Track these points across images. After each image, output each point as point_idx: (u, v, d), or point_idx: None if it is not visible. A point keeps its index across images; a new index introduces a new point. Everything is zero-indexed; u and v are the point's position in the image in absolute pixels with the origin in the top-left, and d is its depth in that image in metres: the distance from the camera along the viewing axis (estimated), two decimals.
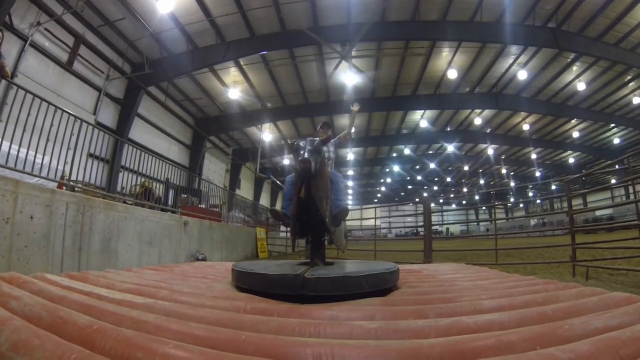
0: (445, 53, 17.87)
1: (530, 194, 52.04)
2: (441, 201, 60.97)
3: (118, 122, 15.58)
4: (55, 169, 6.35)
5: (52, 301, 2.28)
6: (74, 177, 6.69)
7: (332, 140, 5.43)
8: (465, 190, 52.40)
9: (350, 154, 32.42)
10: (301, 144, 3.45)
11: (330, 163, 5.05)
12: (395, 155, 35.86)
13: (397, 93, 21.51)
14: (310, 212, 3.56)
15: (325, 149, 4.29)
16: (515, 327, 1.88)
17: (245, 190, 29.65)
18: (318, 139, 3.58)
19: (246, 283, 3.21)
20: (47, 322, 1.87)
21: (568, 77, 20.07)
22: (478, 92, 21.99)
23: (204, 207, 14.12)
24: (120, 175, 13.35)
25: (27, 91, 5.59)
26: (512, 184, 43.35)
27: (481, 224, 53.35)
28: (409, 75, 19.63)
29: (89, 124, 7.03)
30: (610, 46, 16.28)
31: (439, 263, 7.97)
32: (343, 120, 24.48)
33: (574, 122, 26.77)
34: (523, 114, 25.47)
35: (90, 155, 7.51)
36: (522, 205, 56.38)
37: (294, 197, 3.62)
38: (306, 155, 3.28)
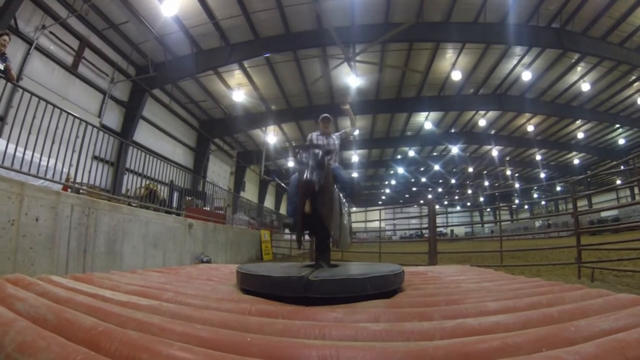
0: (449, 54, 17.84)
1: (535, 195, 51.85)
2: (445, 203, 60.87)
3: (122, 124, 15.66)
4: (60, 171, 6.37)
5: (57, 302, 2.29)
6: (78, 179, 6.72)
7: (337, 134, 5.44)
8: (469, 191, 52.25)
9: (355, 156, 32.40)
10: (304, 158, 3.38)
11: (334, 156, 5.03)
12: (399, 156, 35.85)
13: (401, 94, 21.48)
14: (315, 225, 3.56)
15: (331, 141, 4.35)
16: (521, 329, 1.87)
17: (250, 193, 29.69)
18: (321, 152, 3.46)
19: (251, 285, 3.21)
20: (53, 323, 1.88)
21: (572, 77, 19.99)
22: (482, 93, 21.95)
23: (208, 209, 14.13)
24: (125, 177, 13.41)
25: (32, 94, 5.62)
26: (517, 185, 43.22)
27: (485, 225, 53.23)
28: (412, 77, 19.59)
29: (93, 126, 7.06)
30: (614, 46, 16.22)
31: (444, 265, 7.97)
32: (346, 122, 24.48)
33: (578, 122, 26.65)
34: (527, 115, 25.39)
35: (95, 158, 7.53)
36: (526, 207, 56.19)
37: (298, 212, 3.56)
38: (308, 175, 3.22)
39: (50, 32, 11.58)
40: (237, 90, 18.74)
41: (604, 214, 30.21)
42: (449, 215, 62.11)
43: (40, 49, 11.38)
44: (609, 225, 18.11)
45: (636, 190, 20.98)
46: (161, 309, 2.36)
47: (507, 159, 36.45)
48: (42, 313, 2.01)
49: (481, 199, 51.72)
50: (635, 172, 6.07)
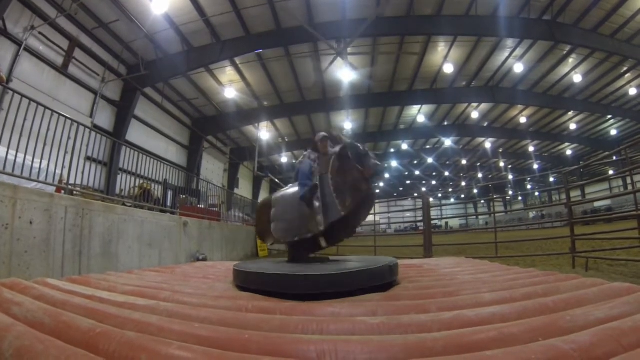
0: (441, 47, 17.85)
1: (529, 186, 52.14)
2: (440, 195, 61.02)
3: (115, 124, 15.56)
4: (53, 172, 6.32)
5: (54, 306, 2.28)
6: (72, 181, 6.68)
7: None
8: (463, 184, 52.46)
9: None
10: None
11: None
12: (392, 150, 35.84)
13: (393, 88, 21.50)
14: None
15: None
16: (517, 319, 1.89)
17: (244, 189, 29.65)
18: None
19: (247, 282, 3.21)
20: (50, 326, 1.87)
21: (564, 69, 20.09)
22: (474, 85, 22.01)
23: (202, 207, 14.11)
24: (118, 177, 13.34)
25: (22, 95, 5.56)
26: (510, 177, 43.42)
27: (480, 217, 53.39)
28: (405, 71, 19.61)
29: (85, 126, 7.01)
30: (605, 37, 16.30)
31: (439, 257, 7.99)
32: (339, 117, 24.50)
33: (570, 114, 26.84)
34: (520, 107, 25.52)
35: (88, 158, 7.49)
36: (520, 198, 56.47)
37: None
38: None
39: (40, 33, 11.46)
40: (229, 87, 18.66)
41: (597, 204, 30.49)
42: (444, 207, 62.28)
43: (29, 50, 11.26)
44: (602, 215, 18.23)
45: (628, 180, 21.15)
46: (159, 308, 2.35)
47: (501, 150, 36.61)
48: (40, 317, 2.00)
49: (475, 191, 51.91)
50: (628, 162, 6.13)
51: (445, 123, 28.82)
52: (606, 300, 2.13)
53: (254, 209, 24.25)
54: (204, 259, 9.70)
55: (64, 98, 12.59)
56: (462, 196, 64.13)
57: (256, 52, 16.01)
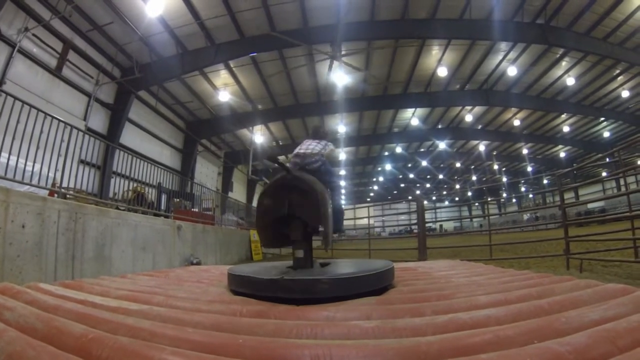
0: (435, 50, 17.92)
1: (523, 189, 52.36)
2: (434, 198, 61.19)
3: (108, 127, 15.49)
4: (46, 176, 6.28)
5: (46, 311, 2.26)
6: (65, 184, 6.63)
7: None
8: (457, 186, 52.60)
9: (342, 153, 32.41)
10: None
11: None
12: (386, 153, 35.92)
13: (387, 91, 21.54)
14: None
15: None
16: (512, 322, 1.89)
17: (238, 193, 29.60)
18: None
19: (242, 286, 3.19)
20: (42, 332, 1.85)
21: (557, 72, 20.22)
22: (468, 88, 22.08)
23: (196, 210, 14.06)
24: (112, 180, 13.27)
25: (15, 98, 5.52)
26: (504, 179, 43.59)
27: (474, 219, 53.49)
28: (399, 74, 19.66)
29: (79, 129, 6.97)
30: (598, 40, 16.45)
31: (433, 260, 7.99)
32: (333, 120, 24.51)
33: (563, 116, 27.02)
34: (513, 110, 25.63)
35: (81, 162, 7.44)
36: (514, 200, 56.70)
37: None
38: None
39: (34, 35, 11.39)
40: (224, 90, 18.65)
41: (590, 206, 30.60)
42: (438, 210, 62.41)
43: (23, 52, 11.20)
44: (596, 217, 18.32)
45: (621, 182, 21.29)
46: (152, 313, 2.33)
47: (494, 153, 36.75)
48: (32, 322, 1.98)
49: (469, 193, 52.08)
50: (621, 164, 6.17)
51: (439, 126, 28.90)
52: (601, 302, 2.13)
53: (248, 213, 24.22)
54: (198, 263, 9.66)
55: (57, 100, 12.52)
56: (457, 199, 64.34)
57: (251, 55, 16.00)
